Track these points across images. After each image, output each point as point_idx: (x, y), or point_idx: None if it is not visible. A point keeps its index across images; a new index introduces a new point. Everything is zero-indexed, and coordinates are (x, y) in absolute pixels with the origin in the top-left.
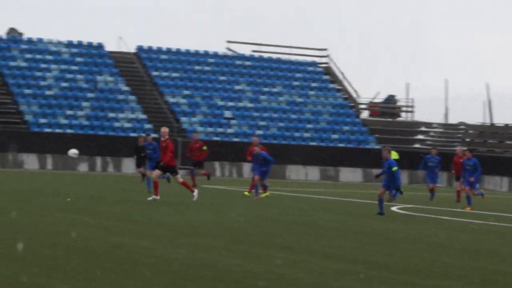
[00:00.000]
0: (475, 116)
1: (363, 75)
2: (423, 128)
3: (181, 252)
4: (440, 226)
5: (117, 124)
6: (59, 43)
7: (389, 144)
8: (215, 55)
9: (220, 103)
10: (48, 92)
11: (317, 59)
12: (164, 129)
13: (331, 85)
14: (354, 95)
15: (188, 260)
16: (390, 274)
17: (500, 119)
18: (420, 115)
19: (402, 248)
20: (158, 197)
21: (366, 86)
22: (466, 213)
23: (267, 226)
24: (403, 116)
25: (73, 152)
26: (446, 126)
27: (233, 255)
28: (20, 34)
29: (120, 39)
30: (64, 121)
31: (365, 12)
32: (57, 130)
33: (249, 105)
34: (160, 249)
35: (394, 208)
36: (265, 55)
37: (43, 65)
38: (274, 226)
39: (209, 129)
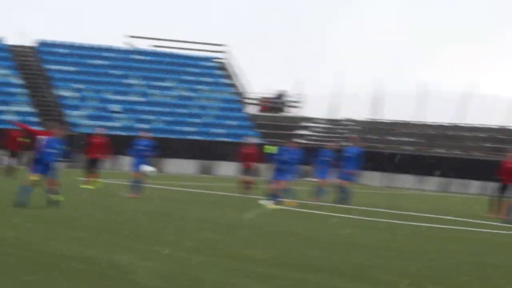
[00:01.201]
0: (363, 112)
1: (259, 71)
2: (307, 123)
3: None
4: (313, 221)
5: (4, 117)
6: None
7: (272, 138)
8: (111, 49)
9: (110, 97)
10: None
11: (216, 54)
12: None
13: (223, 80)
14: (245, 90)
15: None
16: (256, 267)
17: (387, 115)
18: (307, 111)
19: (271, 240)
20: None
21: (260, 82)
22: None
23: (136, 218)
24: (293, 112)
25: (149, 170)
26: (331, 121)
27: (97, 246)
28: None
29: (21, 33)
30: None
31: (264, 9)
32: None
33: (139, 99)
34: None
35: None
36: (166, 50)
37: None
38: (142, 218)
39: (98, 123)
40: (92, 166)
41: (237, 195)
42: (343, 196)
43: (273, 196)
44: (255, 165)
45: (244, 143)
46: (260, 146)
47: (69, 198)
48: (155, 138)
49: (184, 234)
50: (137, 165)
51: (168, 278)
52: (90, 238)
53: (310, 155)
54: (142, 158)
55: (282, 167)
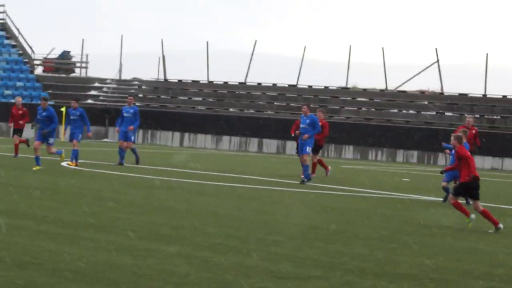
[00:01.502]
0: (150, 73)
1: (39, 31)
2: (96, 84)
3: None
4: (109, 182)
5: None
6: None
7: (63, 100)
8: None
9: None
10: None
11: None
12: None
13: (6, 41)
14: (29, 51)
15: None
16: (61, 229)
17: (174, 75)
18: (94, 72)
19: (69, 202)
20: None
21: (42, 42)
22: (144, 169)
23: None
24: (77, 72)
25: None
26: (119, 82)
27: None
28: None
29: None
30: None
31: None
32: None
33: None
34: None
35: (64, 164)
36: None
37: None
38: None
39: None
40: None
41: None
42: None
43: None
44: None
45: (15, 103)
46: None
47: None
48: None
49: None
50: None
51: None
52: None
53: (103, 115)
54: None
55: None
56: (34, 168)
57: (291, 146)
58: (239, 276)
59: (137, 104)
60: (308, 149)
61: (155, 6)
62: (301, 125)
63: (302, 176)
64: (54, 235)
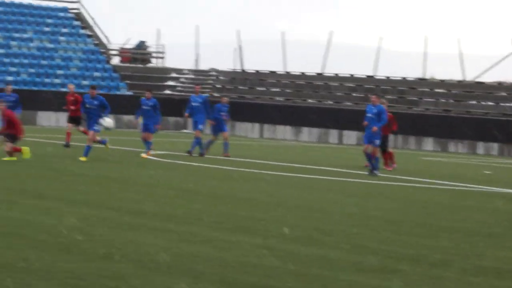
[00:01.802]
0: (226, 63)
1: (115, 21)
2: (173, 74)
3: None
4: (190, 173)
5: None
6: None
7: (141, 90)
8: None
9: None
10: None
11: (69, 5)
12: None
13: (82, 31)
14: (105, 41)
15: None
16: (144, 220)
17: (250, 66)
18: (170, 62)
19: (154, 193)
20: None
21: (118, 32)
22: (224, 161)
23: (18, 174)
24: (154, 62)
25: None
26: (196, 72)
27: None
28: None
29: None
30: None
31: None
32: None
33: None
34: None
35: (144, 155)
36: (16, 1)
37: None
38: (25, 174)
39: None
40: None
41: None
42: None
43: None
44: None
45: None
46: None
47: None
48: (18, 91)
49: (69, 188)
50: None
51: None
52: None
53: (181, 106)
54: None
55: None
56: (81, 159)
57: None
58: (324, 269)
59: (215, 94)
60: (377, 141)
61: None
62: (368, 115)
63: (367, 165)
64: (138, 226)
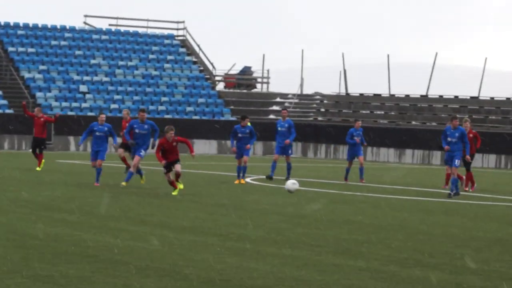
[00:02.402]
0: (331, 87)
1: (220, 47)
2: (278, 99)
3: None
4: (289, 197)
5: None
6: None
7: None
8: (72, 29)
9: (76, 77)
10: None
11: (175, 32)
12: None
13: (187, 58)
14: (210, 67)
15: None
16: (245, 244)
17: (355, 89)
18: (275, 87)
19: (253, 218)
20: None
21: (223, 58)
22: (337, 185)
23: (124, 199)
24: (259, 88)
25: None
26: (301, 96)
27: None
28: None
29: None
30: None
31: None
32: None
33: (105, 79)
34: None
35: (248, 180)
36: (123, 29)
37: None
38: (128, 200)
39: (64, 104)
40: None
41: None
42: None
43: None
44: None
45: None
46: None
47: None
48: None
49: (174, 214)
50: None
51: (159, 259)
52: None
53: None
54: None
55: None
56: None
57: (476, 158)
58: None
59: (319, 118)
60: (457, 162)
61: (335, 19)
62: (449, 139)
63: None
64: (240, 251)
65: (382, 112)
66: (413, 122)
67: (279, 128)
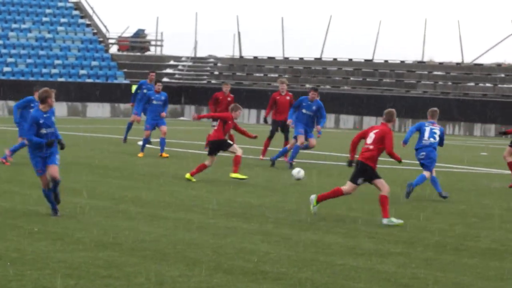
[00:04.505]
0: (225, 50)
1: (114, 10)
2: (172, 62)
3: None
4: (185, 160)
5: None
6: None
7: (138, 78)
8: None
9: None
10: None
11: None
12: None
13: (81, 20)
14: (103, 30)
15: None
16: (138, 208)
17: (251, 52)
18: (169, 50)
19: (147, 181)
20: None
21: (117, 21)
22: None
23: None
24: (152, 51)
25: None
26: (195, 59)
27: None
28: None
29: None
30: None
31: None
32: None
33: None
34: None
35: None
36: None
37: None
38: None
39: None
40: None
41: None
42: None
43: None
44: None
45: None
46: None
47: None
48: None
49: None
50: None
51: (51, 223)
52: None
53: (180, 93)
54: None
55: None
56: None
57: (368, 121)
58: (319, 253)
59: (212, 81)
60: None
61: None
62: (304, 110)
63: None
64: (133, 214)
65: (276, 75)
66: (307, 85)
67: (303, 111)
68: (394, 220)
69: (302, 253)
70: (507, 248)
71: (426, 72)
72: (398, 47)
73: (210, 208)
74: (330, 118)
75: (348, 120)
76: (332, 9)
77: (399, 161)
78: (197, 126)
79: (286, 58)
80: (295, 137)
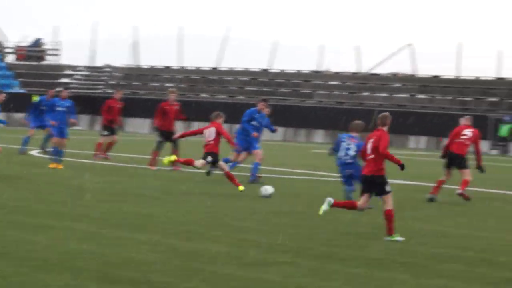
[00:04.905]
0: (121, 59)
1: (13, 18)
2: (68, 71)
3: None
4: (79, 170)
5: None
6: None
7: (34, 88)
8: None
9: None
10: None
11: None
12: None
13: None
14: (1, 38)
15: None
16: (26, 217)
17: (146, 62)
18: (67, 59)
19: (39, 191)
20: None
21: (16, 29)
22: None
23: None
24: (49, 60)
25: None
26: (91, 68)
27: None
28: None
29: None
30: None
31: None
32: None
33: None
34: None
35: (34, 152)
36: None
37: None
38: None
39: None
40: None
41: None
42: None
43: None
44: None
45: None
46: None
47: None
48: None
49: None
50: None
51: None
52: None
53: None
54: None
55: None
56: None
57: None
58: (205, 263)
59: (108, 91)
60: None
61: None
62: (254, 122)
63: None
64: (23, 224)
65: (172, 85)
66: (203, 95)
67: (253, 123)
68: (398, 238)
69: (189, 263)
70: (394, 258)
71: (322, 82)
72: (295, 57)
73: (98, 217)
74: (226, 128)
75: None
76: (230, 20)
77: (401, 165)
78: (91, 136)
79: (183, 68)
80: (252, 153)
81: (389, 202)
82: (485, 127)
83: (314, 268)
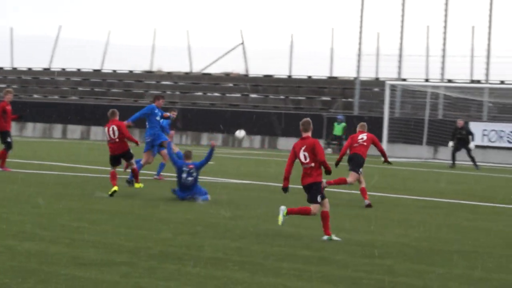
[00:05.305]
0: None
1: None
2: None
3: None
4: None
5: None
6: None
7: None
8: None
9: None
10: None
11: None
12: None
13: None
14: None
15: None
16: None
17: (22, 63)
18: None
19: None
20: None
21: None
22: None
23: None
24: None
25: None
26: None
27: None
28: None
29: None
30: None
31: None
32: None
33: None
34: None
35: None
36: None
37: None
38: None
39: None
40: None
41: None
42: None
43: None
44: None
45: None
46: None
47: None
48: None
49: None
50: None
51: None
52: None
53: None
54: None
55: None
56: None
57: (94, 131)
58: (43, 263)
59: None
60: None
61: None
62: (157, 118)
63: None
64: None
65: (4, 85)
66: (35, 95)
67: (157, 118)
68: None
69: (26, 264)
70: (230, 257)
71: (154, 82)
72: (127, 57)
73: None
74: (58, 128)
75: (75, 131)
76: (61, 20)
77: (330, 172)
78: None
79: (15, 69)
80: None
81: (326, 205)
82: (321, 126)
83: (152, 268)
